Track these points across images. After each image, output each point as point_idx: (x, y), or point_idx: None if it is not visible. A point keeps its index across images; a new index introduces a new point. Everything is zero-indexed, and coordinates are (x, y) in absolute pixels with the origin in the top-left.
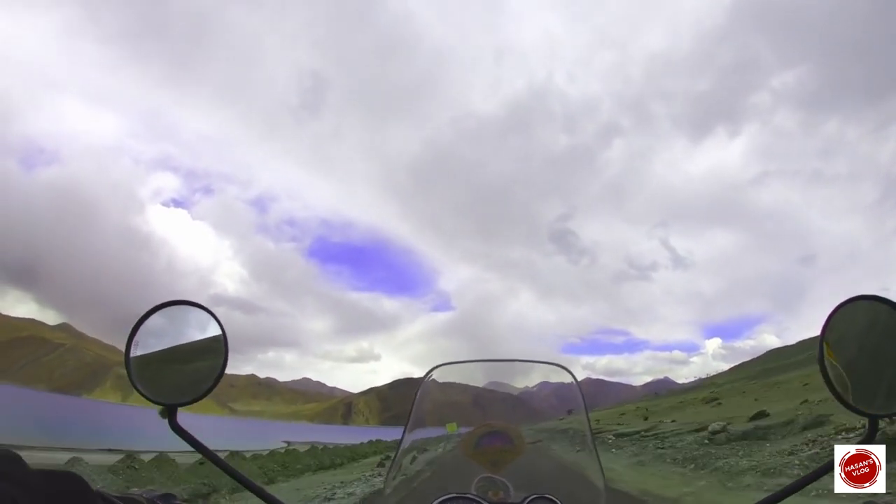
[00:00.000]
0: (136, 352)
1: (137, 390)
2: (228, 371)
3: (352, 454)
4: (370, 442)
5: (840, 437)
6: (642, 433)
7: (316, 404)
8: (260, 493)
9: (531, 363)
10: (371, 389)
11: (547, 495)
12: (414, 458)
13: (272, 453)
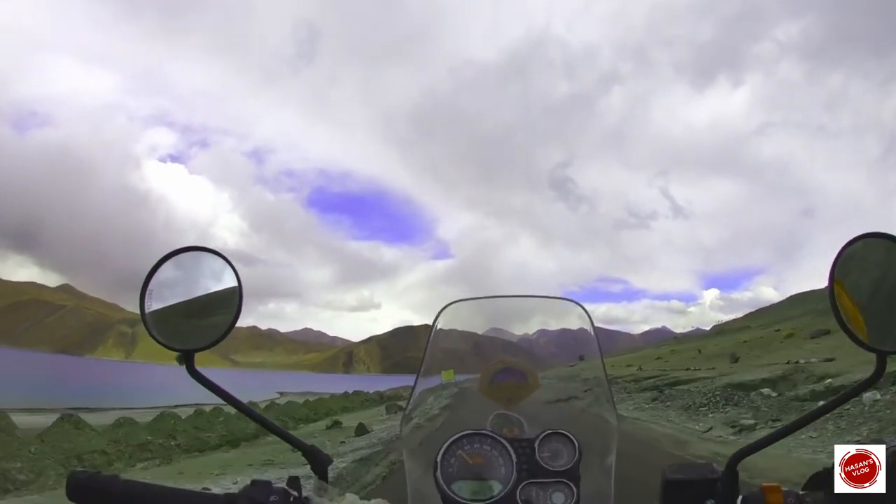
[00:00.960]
0: (150, 299)
1: (153, 337)
2: None
3: (328, 410)
4: (356, 393)
5: None
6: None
7: (317, 354)
8: (285, 437)
9: (543, 299)
10: (372, 338)
11: (560, 430)
12: (429, 398)
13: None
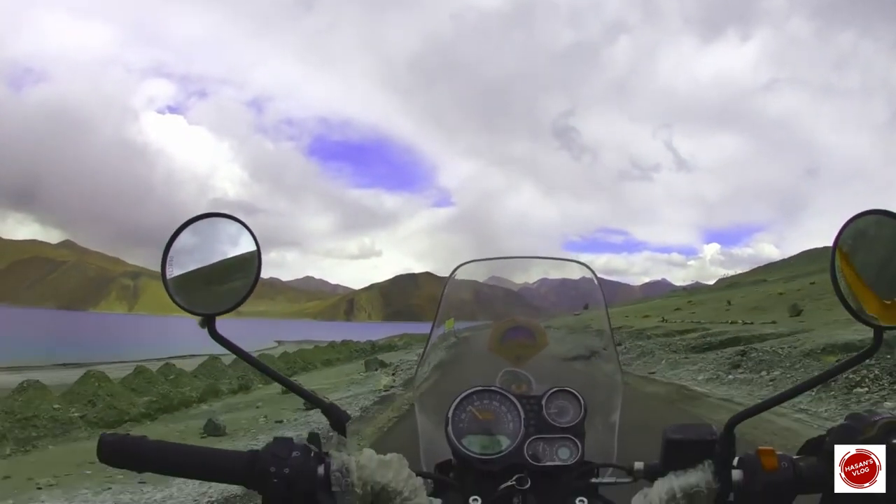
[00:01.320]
0: (171, 266)
1: (175, 303)
2: None
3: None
4: (344, 343)
5: None
6: None
7: (319, 302)
8: (304, 394)
9: (554, 260)
10: (373, 285)
11: (567, 388)
12: (442, 353)
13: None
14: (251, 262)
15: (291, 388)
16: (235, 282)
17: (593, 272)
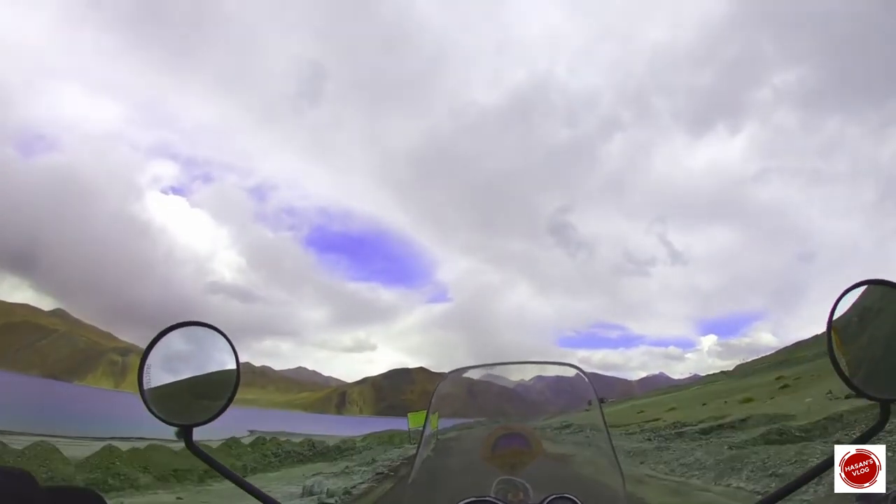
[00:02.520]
0: (149, 374)
1: (152, 413)
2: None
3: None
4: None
5: None
6: None
7: (310, 393)
8: None
9: (546, 364)
10: (366, 379)
11: (566, 495)
12: (433, 461)
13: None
14: (230, 372)
15: (265, 501)
16: (214, 392)
17: (583, 373)
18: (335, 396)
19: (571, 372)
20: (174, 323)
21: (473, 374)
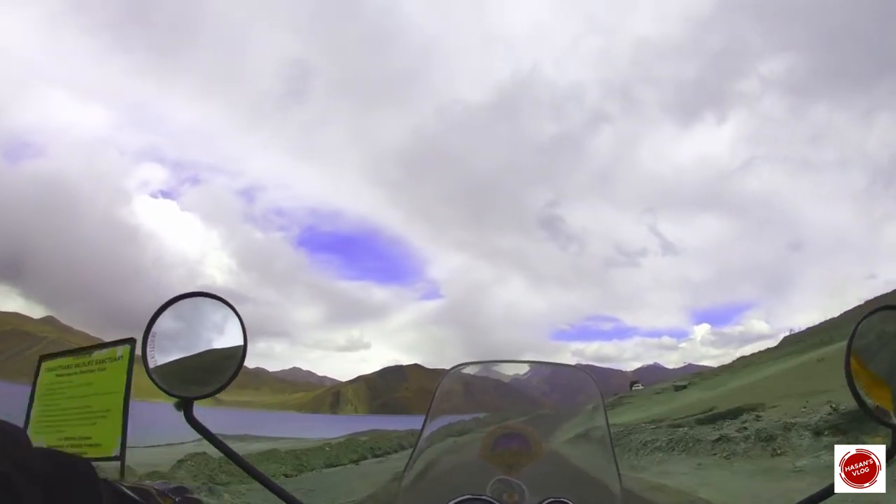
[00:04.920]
0: (152, 345)
1: (154, 382)
2: None
3: None
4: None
5: None
6: None
7: (304, 393)
8: (277, 491)
9: (549, 365)
10: (360, 377)
11: (562, 498)
12: (430, 457)
13: None
14: (236, 346)
15: (265, 483)
16: (218, 365)
17: (592, 377)
18: (329, 396)
19: (576, 373)
20: (182, 293)
21: (476, 372)
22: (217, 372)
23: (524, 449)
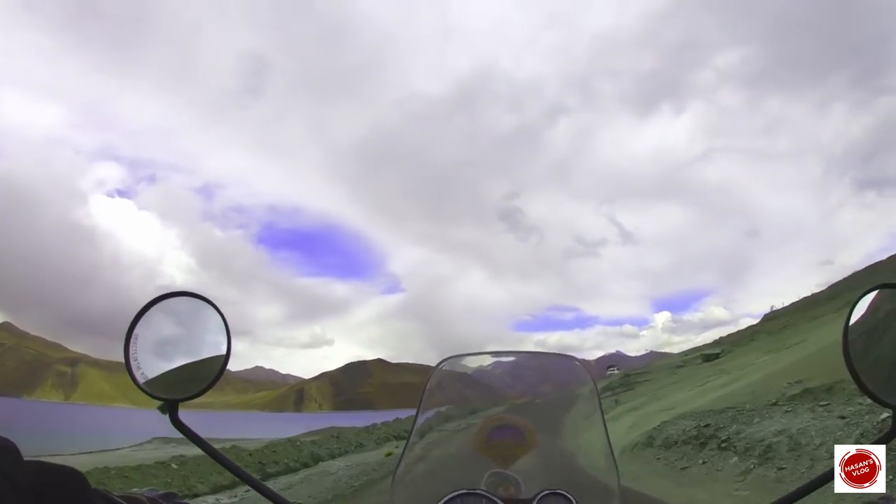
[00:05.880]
0: (135, 346)
1: (137, 385)
2: None
3: None
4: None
5: None
6: None
7: (267, 392)
8: (263, 491)
9: (541, 354)
10: (323, 374)
11: (559, 490)
12: (423, 451)
13: None
14: (220, 345)
15: (253, 484)
16: (202, 367)
17: (581, 364)
18: (293, 394)
19: (568, 362)
20: (163, 293)
21: (465, 364)
22: (201, 373)
23: (518, 440)
